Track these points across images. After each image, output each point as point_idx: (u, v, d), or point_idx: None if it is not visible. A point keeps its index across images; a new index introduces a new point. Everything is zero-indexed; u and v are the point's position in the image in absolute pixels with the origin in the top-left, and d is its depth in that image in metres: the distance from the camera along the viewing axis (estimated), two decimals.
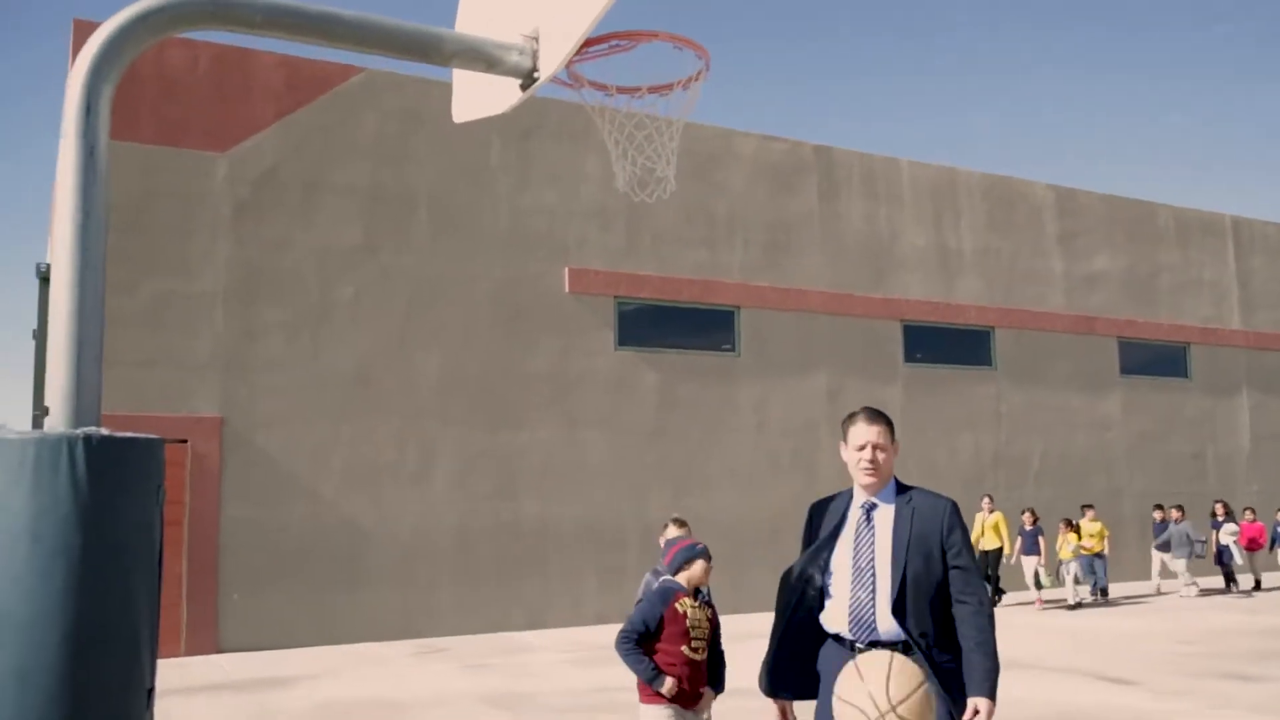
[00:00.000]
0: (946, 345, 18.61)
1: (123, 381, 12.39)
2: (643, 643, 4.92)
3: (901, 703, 3.14)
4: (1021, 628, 13.97)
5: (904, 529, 3.69)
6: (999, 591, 16.29)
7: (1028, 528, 16.45)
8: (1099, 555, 16.79)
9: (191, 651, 12.32)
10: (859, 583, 3.69)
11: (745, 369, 16.52)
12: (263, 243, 13.45)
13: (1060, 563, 16.46)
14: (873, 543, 3.72)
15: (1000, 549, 16.19)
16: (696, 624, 5.09)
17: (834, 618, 3.76)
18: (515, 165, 15.13)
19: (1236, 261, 22.67)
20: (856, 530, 3.78)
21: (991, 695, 3.47)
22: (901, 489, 3.84)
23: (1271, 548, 19.16)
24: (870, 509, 3.80)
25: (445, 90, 4.47)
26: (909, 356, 18.15)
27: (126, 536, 3.26)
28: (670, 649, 4.96)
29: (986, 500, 16.71)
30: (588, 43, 3.86)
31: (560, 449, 14.89)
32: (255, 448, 13.07)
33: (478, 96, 4.73)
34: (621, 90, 4.22)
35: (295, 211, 13.68)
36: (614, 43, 4.06)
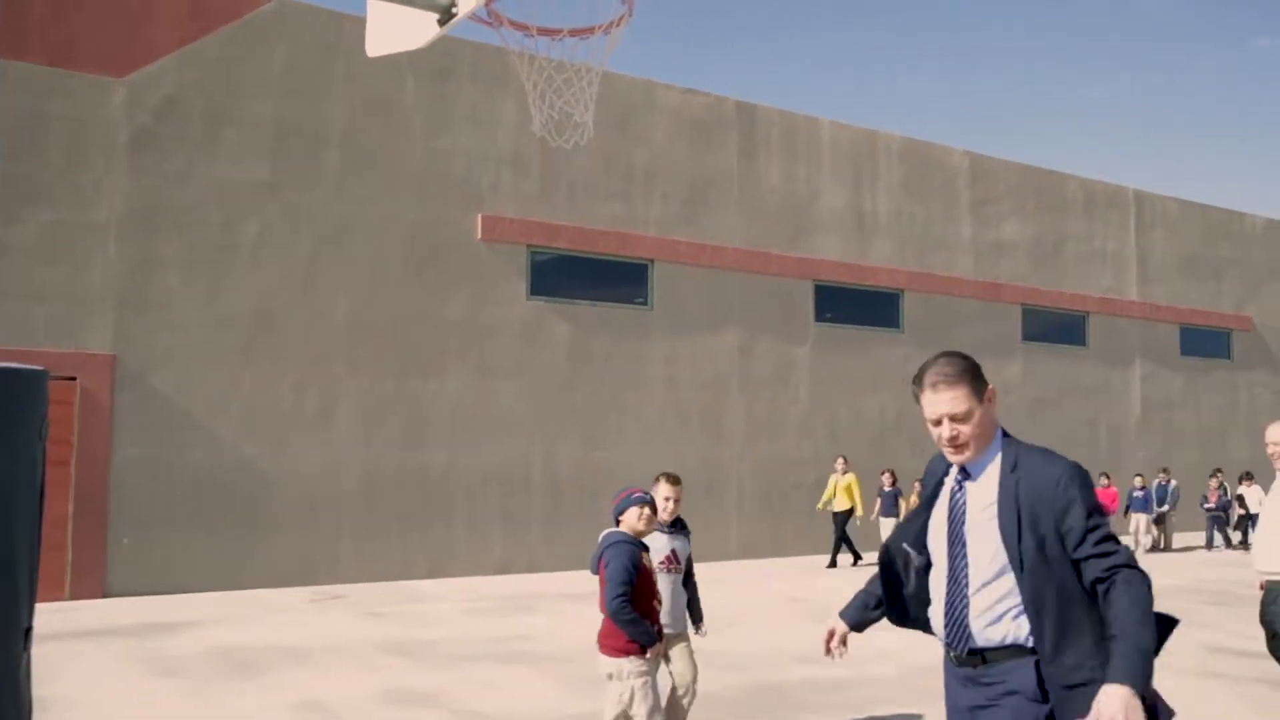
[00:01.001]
0: (857, 306, 18.83)
1: (8, 315, 11.84)
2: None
3: None
4: None
5: (1008, 507, 2.83)
6: (856, 555, 16.14)
7: (887, 489, 16.41)
8: None
9: (77, 596, 11.93)
10: (952, 576, 2.94)
11: (658, 323, 16.49)
12: (162, 174, 12.89)
13: None
14: (964, 522, 2.93)
15: (851, 510, 16.01)
16: (654, 573, 5.08)
17: (934, 615, 3.04)
18: (431, 106, 14.73)
19: (1137, 234, 23.33)
20: (951, 504, 3.00)
21: (1131, 681, 2.53)
22: (1009, 445, 2.95)
23: (1125, 512, 19.80)
24: (964, 478, 2.98)
25: (359, 24, 4.26)
26: (820, 316, 18.32)
27: (4, 470, 3.08)
28: (643, 606, 4.87)
29: (841, 461, 16.43)
30: None
31: (469, 398, 14.70)
32: (150, 387, 12.62)
33: (393, 30, 4.52)
34: (542, 32, 4.06)
35: (197, 143, 13.12)
36: None
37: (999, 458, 2.92)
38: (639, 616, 4.78)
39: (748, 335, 17.39)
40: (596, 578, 4.96)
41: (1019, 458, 2.89)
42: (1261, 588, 6.08)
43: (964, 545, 2.91)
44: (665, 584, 5.36)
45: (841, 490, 16.08)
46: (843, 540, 16.06)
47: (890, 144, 19.58)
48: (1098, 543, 2.73)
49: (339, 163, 13.99)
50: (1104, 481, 19.09)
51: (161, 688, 7.62)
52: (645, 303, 16.46)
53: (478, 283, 14.88)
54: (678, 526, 5.67)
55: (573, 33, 4.06)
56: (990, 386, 2.93)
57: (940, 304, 19.75)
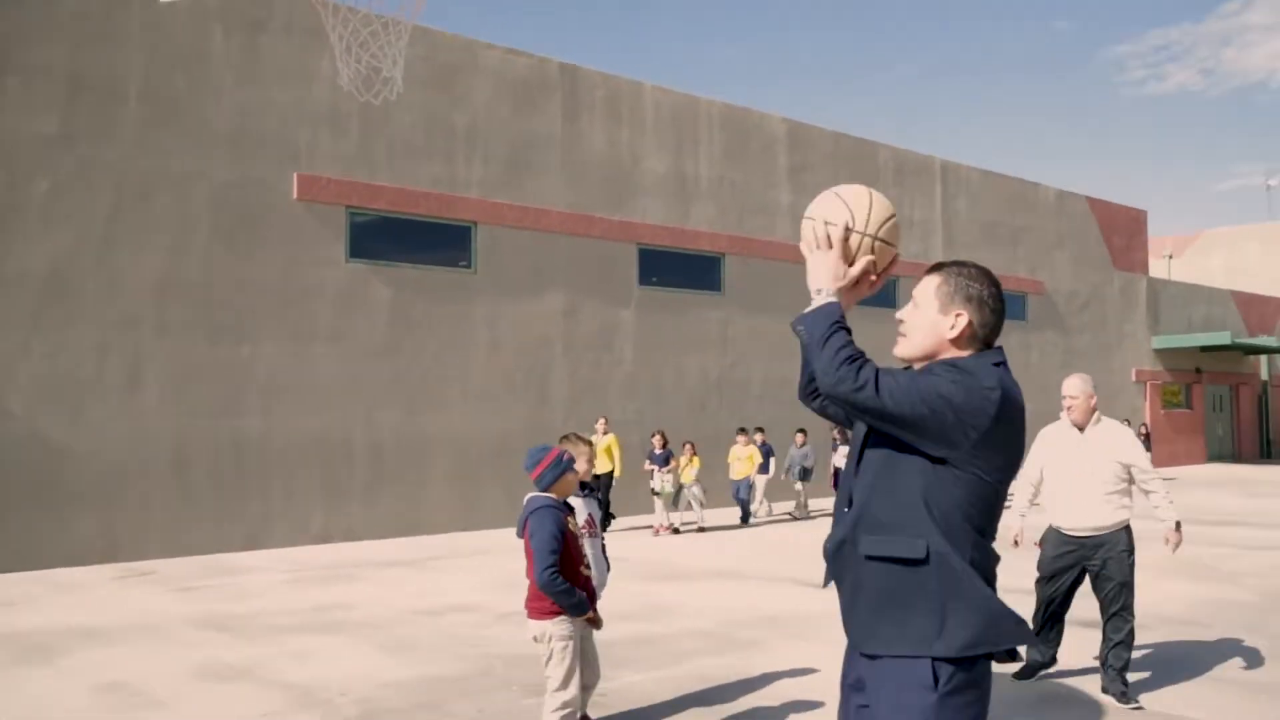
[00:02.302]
0: (679, 270, 19.13)
1: None
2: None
3: (881, 227, 2.68)
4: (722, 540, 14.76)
5: None
6: (609, 516, 15.68)
7: (658, 451, 16.04)
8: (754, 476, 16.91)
9: None
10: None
11: (481, 286, 16.33)
12: None
13: (682, 486, 16.02)
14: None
15: (612, 472, 15.55)
16: (579, 537, 4.98)
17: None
18: (240, 59, 14.05)
19: (943, 202, 24.51)
20: None
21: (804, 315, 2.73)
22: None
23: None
24: None
25: None
26: (643, 280, 18.53)
27: None
28: (570, 572, 4.77)
29: (602, 422, 15.98)
30: None
31: (286, 364, 14.22)
32: None
33: None
34: None
35: None
36: None
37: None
38: (571, 587, 4.71)
39: (572, 298, 17.43)
40: (521, 542, 4.85)
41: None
42: (1039, 545, 6.57)
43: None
44: (587, 549, 5.17)
45: (602, 452, 15.41)
46: (605, 503, 15.51)
47: (711, 110, 19.88)
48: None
49: (140, 116, 13.20)
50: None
51: None
52: (469, 266, 16.27)
53: (294, 244, 14.36)
54: (585, 489, 5.54)
55: None
56: (967, 315, 2.58)
57: (760, 267, 20.26)
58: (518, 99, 16.97)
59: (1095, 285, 29.78)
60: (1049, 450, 6.48)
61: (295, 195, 14.34)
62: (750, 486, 16.95)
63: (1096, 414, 6.34)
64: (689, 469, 15.95)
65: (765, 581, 10.96)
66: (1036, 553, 6.61)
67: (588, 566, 5.01)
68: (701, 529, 15.78)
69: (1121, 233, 30.96)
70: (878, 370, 2.51)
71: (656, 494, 15.91)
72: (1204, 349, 33.44)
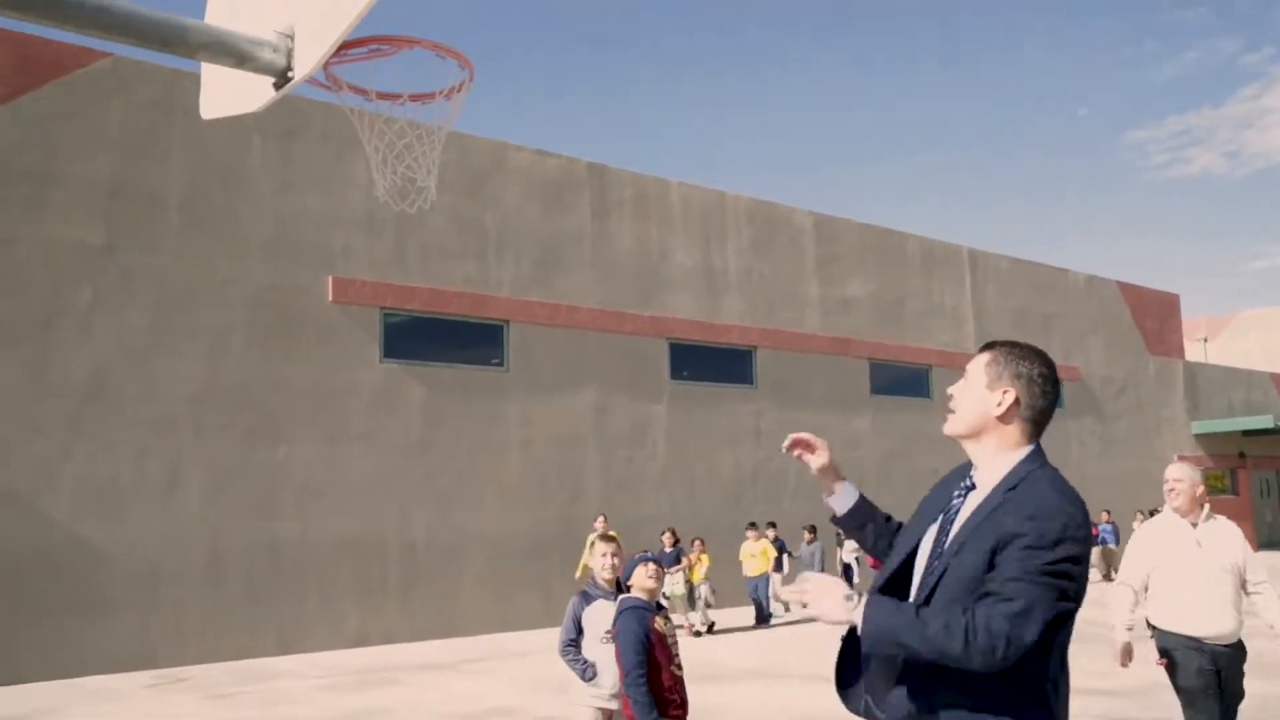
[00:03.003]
0: (710, 363, 19.16)
1: None
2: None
3: None
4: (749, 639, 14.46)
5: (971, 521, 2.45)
6: None
7: (667, 549, 15.12)
8: (768, 574, 16.29)
9: None
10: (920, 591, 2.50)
11: (513, 384, 16.41)
12: None
13: (693, 585, 15.25)
14: (949, 533, 2.51)
15: None
16: (671, 637, 4.82)
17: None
18: (277, 166, 14.44)
19: (972, 290, 24.52)
20: (945, 512, 2.59)
21: (871, 615, 2.34)
22: (1033, 467, 2.49)
23: None
24: (969, 488, 2.57)
25: (198, 82, 4.16)
26: (675, 374, 18.56)
27: None
28: (655, 680, 4.62)
29: (601, 519, 15.28)
30: (346, 44, 3.68)
31: (321, 464, 14.28)
32: None
33: (229, 92, 4.43)
34: (382, 96, 4.05)
35: (23, 204, 12.49)
36: (374, 47, 3.89)
37: (1009, 473, 2.48)
38: (650, 700, 4.54)
39: (604, 394, 17.46)
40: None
41: (1030, 483, 2.43)
42: (1162, 660, 5.72)
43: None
44: (607, 652, 5.04)
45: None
46: None
47: (738, 204, 20.13)
48: (1003, 583, 2.27)
49: (180, 225, 13.54)
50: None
51: None
52: (501, 364, 16.38)
53: (329, 346, 14.55)
54: (618, 591, 5.37)
55: (413, 98, 4.06)
56: (1014, 393, 2.50)
57: (791, 359, 20.27)
58: (547, 198, 17.28)
59: (1130, 370, 29.51)
60: (1158, 550, 5.79)
61: (330, 298, 14.58)
62: (766, 584, 16.31)
63: (1206, 507, 5.77)
64: (698, 567, 15.29)
65: (806, 680, 10.71)
66: (1149, 667, 5.91)
67: (679, 667, 4.82)
68: (711, 629, 15.22)
69: (1154, 316, 30.78)
70: (986, 612, 2.24)
71: (666, 597, 14.55)
72: (1246, 433, 32.88)
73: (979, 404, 2.55)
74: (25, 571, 11.93)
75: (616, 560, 5.26)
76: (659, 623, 4.75)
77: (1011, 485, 2.43)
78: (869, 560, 17.25)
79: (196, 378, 13.40)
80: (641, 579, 4.81)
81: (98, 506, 12.52)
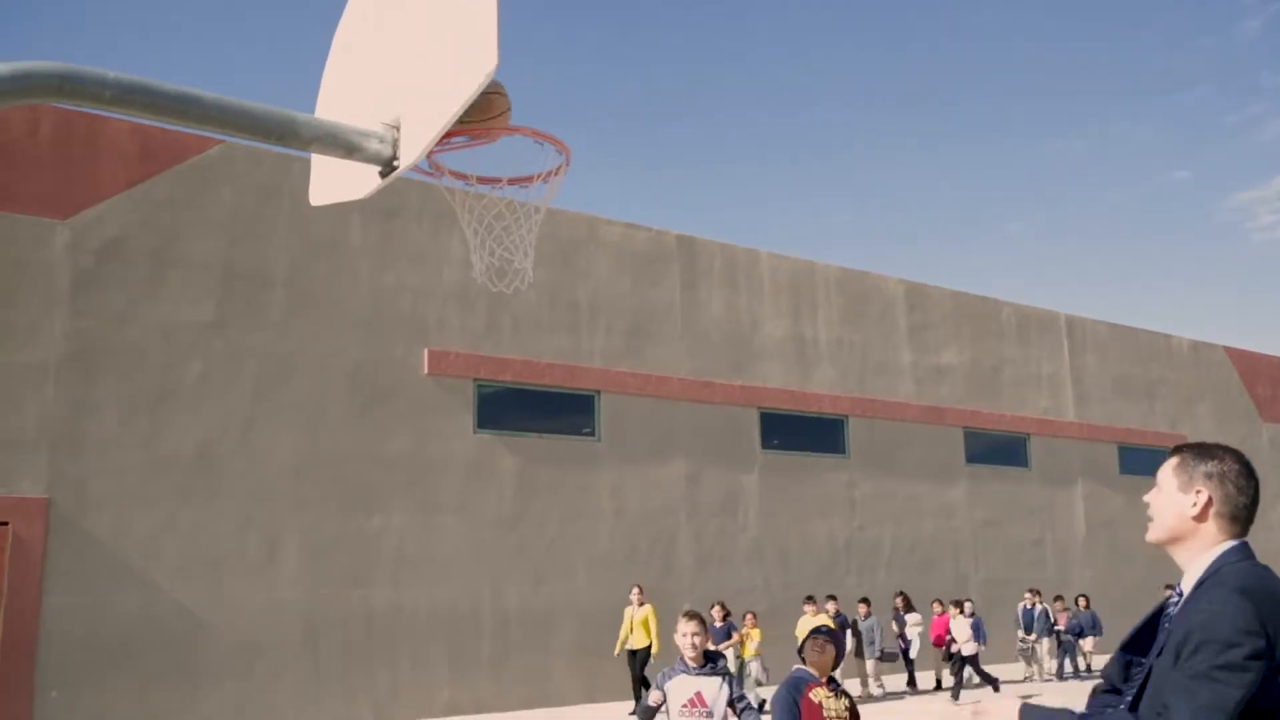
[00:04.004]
0: (802, 433, 19.00)
1: None
2: None
3: None
4: None
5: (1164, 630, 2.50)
6: (646, 685, 13.89)
7: (717, 624, 14.50)
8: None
9: None
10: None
11: (605, 454, 16.49)
12: (103, 315, 12.83)
13: (743, 661, 14.63)
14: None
15: (649, 647, 14.12)
16: (835, 714, 4.85)
17: None
18: (376, 245, 14.92)
19: (1070, 357, 23.96)
20: (1160, 623, 2.59)
21: None
22: (1230, 563, 2.47)
23: (1030, 630, 18.47)
24: (1179, 598, 2.55)
25: (305, 166, 4.38)
26: (766, 443, 18.44)
27: None
28: None
29: (636, 591, 14.62)
30: (449, 133, 3.83)
31: (415, 535, 14.48)
32: (84, 532, 12.28)
33: (336, 180, 4.64)
34: (482, 181, 4.20)
35: (141, 284, 13.12)
36: (475, 135, 4.04)
37: (1204, 572, 2.47)
38: None
39: (695, 464, 17.42)
40: None
41: (1218, 577, 2.42)
42: None
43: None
44: None
45: (638, 625, 14.20)
46: (642, 681, 14.03)
47: (828, 274, 20.09)
48: (1175, 685, 2.29)
49: (284, 302, 14.04)
50: (937, 609, 17.32)
51: None
52: (592, 434, 16.49)
53: (424, 417, 14.84)
54: (710, 665, 5.34)
55: (511, 181, 4.20)
56: (1207, 492, 2.51)
57: (884, 428, 19.99)
58: (637, 270, 17.49)
59: (1243, 438, 28.35)
60: None
61: (425, 370, 14.90)
62: None
63: None
64: (749, 643, 14.68)
65: None
66: None
67: None
68: (763, 707, 14.57)
69: (1266, 382, 29.63)
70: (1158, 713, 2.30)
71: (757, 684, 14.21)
72: None
73: (1174, 507, 2.57)
74: (133, 641, 12.30)
75: (697, 639, 5.27)
76: (816, 693, 4.88)
77: (1201, 582, 2.45)
78: (932, 637, 16.94)
79: (296, 449, 13.77)
80: (815, 656, 5.04)
81: (200, 577, 12.87)
